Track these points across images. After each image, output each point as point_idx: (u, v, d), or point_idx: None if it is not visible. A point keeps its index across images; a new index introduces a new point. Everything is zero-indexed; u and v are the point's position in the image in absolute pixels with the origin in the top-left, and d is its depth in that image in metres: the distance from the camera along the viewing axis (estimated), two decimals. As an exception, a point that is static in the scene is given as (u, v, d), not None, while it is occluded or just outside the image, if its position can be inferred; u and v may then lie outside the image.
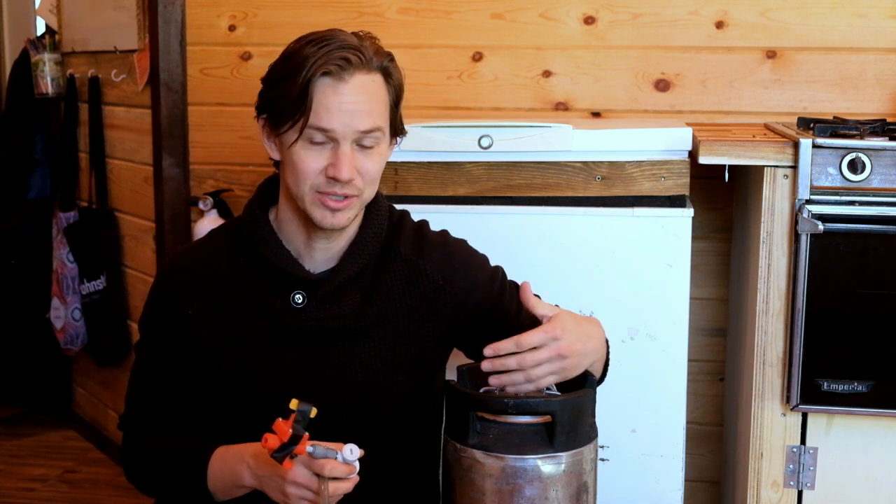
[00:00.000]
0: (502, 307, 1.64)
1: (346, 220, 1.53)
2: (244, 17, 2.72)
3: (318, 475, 1.41)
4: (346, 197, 1.51)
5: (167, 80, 2.78)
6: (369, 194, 1.55)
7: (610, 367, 1.64)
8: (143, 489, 1.68)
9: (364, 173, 1.51)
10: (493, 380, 1.47)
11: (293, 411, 1.35)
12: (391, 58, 1.55)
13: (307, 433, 1.36)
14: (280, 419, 1.35)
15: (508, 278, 1.71)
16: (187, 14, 2.76)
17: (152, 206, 2.91)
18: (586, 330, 1.53)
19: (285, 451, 1.35)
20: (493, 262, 1.72)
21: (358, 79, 1.49)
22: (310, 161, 1.49)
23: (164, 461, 1.61)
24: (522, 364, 1.45)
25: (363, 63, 1.49)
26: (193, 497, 1.57)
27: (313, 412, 1.36)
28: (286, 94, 1.49)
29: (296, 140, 1.49)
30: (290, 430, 1.34)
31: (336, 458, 1.40)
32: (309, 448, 1.39)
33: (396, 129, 1.59)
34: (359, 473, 1.42)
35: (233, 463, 1.52)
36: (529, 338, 1.45)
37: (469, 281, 1.62)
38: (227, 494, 1.55)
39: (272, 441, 1.35)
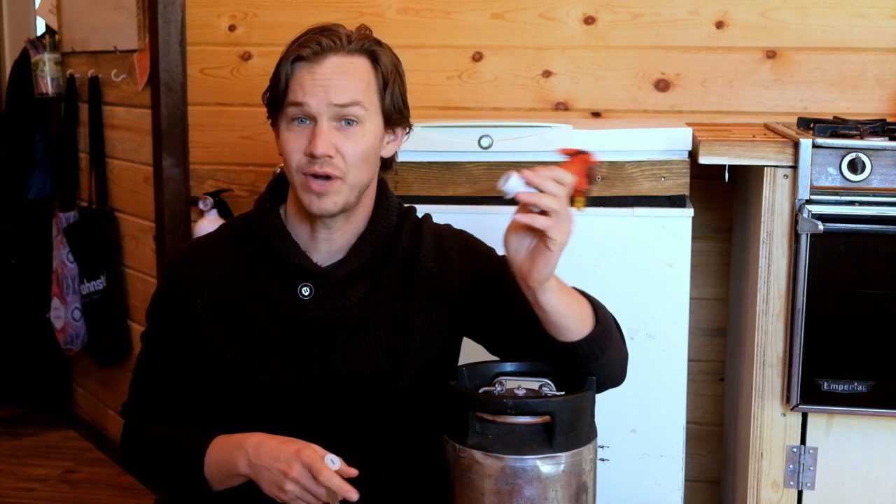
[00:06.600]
0: (503, 292, 1.58)
1: (333, 204, 1.52)
2: (244, 17, 2.72)
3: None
4: (327, 178, 1.50)
5: (167, 80, 2.78)
6: (356, 179, 1.53)
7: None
8: (139, 477, 1.69)
9: (345, 153, 1.51)
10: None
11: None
12: (379, 44, 1.57)
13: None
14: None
15: None
16: (187, 14, 2.76)
17: (152, 206, 2.91)
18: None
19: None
20: None
21: (333, 60, 1.51)
22: (292, 142, 1.52)
23: (163, 449, 1.61)
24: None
25: (338, 46, 1.52)
26: (189, 485, 1.57)
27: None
28: (273, 84, 1.55)
29: (279, 123, 1.55)
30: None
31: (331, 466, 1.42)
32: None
33: (391, 117, 1.58)
34: (360, 472, 1.43)
35: (230, 450, 1.52)
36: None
37: (463, 267, 1.61)
38: (223, 483, 1.54)
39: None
